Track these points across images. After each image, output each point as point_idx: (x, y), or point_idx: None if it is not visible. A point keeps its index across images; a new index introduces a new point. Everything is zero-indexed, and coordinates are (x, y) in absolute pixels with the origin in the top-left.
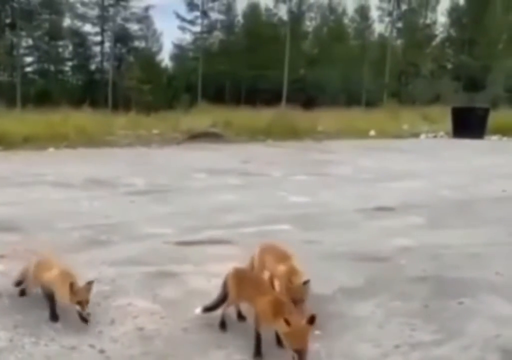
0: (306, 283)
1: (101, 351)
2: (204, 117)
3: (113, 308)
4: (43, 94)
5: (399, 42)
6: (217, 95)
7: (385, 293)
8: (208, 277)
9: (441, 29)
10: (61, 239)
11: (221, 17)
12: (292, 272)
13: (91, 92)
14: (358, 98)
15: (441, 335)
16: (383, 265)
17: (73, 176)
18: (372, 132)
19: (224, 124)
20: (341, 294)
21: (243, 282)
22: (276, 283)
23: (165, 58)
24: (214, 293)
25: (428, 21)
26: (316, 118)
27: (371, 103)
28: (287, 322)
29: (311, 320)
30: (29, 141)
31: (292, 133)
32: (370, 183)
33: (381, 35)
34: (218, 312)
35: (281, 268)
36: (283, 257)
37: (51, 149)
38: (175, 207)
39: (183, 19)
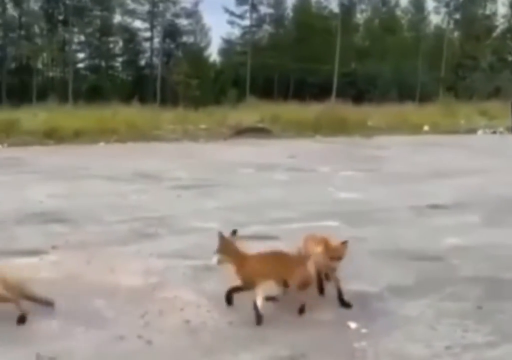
0: (344, 243)
1: (149, 342)
2: (251, 112)
3: (160, 300)
4: (94, 89)
5: (456, 34)
6: (265, 89)
7: (436, 293)
8: None
9: (501, 20)
10: (110, 231)
11: (270, 10)
12: (328, 241)
13: (140, 87)
14: (411, 92)
15: (494, 337)
16: (435, 264)
17: (122, 170)
18: (426, 128)
19: (271, 119)
20: (389, 292)
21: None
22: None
23: (213, 53)
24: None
25: (487, 12)
26: (366, 113)
27: (425, 98)
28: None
29: None
30: (80, 136)
31: (342, 129)
32: (423, 180)
33: (437, 27)
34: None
35: (319, 248)
36: (321, 240)
37: (101, 144)
38: (221, 201)
39: (232, 13)
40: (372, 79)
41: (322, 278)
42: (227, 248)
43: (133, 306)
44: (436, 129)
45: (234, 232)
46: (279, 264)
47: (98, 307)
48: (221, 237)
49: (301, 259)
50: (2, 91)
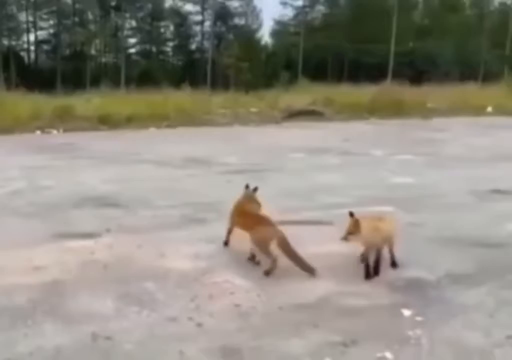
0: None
1: (199, 324)
2: (304, 94)
3: (211, 284)
4: (145, 74)
5: None
6: (318, 71)
7: (496, 281)
8: (304, 257)
9: None
10: (161, 216)
11: None
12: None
13: (191, 71)
14: (474, 72)
15: None
16: (496, 251)
17: (173, 155)
18: (489, 109)
19: (324, 101)
20: (447, 280)
21: None
22: None
23: (264, 35)
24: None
25: None
26: (425, 94)
27: (489, 78)
28: None
29: None
30: (132, 121)
31: (398, 110)
32: (485, 164)
33: (502, 3)
34: (314, 293)
35: None
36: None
37: (152, 129)
38: (273, 187)
39: None
40: (431, 59)
41: (369, 263)
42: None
43: (183, 289)
44: (500, 111)
45: (255, 189)
46: (247, 220)
47: (149, 289)
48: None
49: (264, 218)
50: (57, 77)
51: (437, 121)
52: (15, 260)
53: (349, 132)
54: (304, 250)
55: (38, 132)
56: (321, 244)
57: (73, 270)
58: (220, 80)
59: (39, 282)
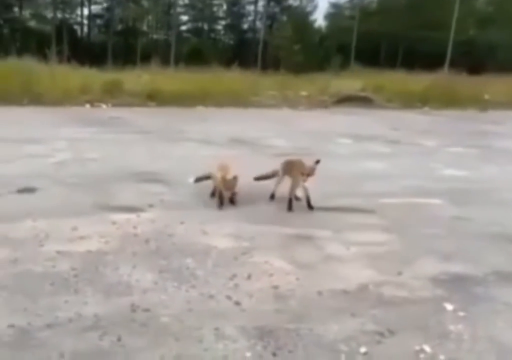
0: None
1: (237, 303)
2: (355, 80)
3: (250, 264)
4: (195, 52)
5: None
6: (372, 57)
7: None
8: (345, 244)
9: None
10: (204, 194)
11: None
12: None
13: (242, 51)
14: None
15: None
16: None
17: (219, 135)
18: None
19: (376, 88)
20: (493, 277)
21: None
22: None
23: (318, 18)
24: (351, 261)
25: None
26: (483, 85)
27: None
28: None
29: None
30: (180, 99)
31: (454, 101)
32: None
33: None
34: (355, 281)
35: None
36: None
37: (199, 107)
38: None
39: None
40: (492, 49)
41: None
42: None
43: (223, 268)
44: None
45: None
46: None
47: (189, 265)
48: None
49: None
50: (108, 52)
51: (493, 114)
52: (59, 229)
53: (400, 120)
54: (344, 236)
55: (88, 105)
56: (363, 232)
57: (115, 243)
58: (270, 62)
59: (82, 251)
